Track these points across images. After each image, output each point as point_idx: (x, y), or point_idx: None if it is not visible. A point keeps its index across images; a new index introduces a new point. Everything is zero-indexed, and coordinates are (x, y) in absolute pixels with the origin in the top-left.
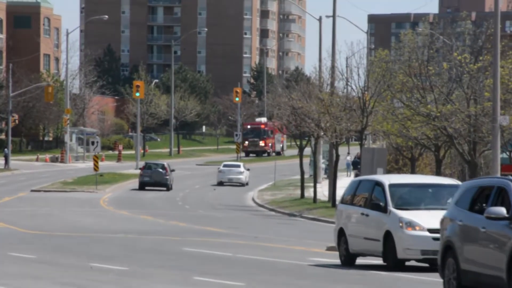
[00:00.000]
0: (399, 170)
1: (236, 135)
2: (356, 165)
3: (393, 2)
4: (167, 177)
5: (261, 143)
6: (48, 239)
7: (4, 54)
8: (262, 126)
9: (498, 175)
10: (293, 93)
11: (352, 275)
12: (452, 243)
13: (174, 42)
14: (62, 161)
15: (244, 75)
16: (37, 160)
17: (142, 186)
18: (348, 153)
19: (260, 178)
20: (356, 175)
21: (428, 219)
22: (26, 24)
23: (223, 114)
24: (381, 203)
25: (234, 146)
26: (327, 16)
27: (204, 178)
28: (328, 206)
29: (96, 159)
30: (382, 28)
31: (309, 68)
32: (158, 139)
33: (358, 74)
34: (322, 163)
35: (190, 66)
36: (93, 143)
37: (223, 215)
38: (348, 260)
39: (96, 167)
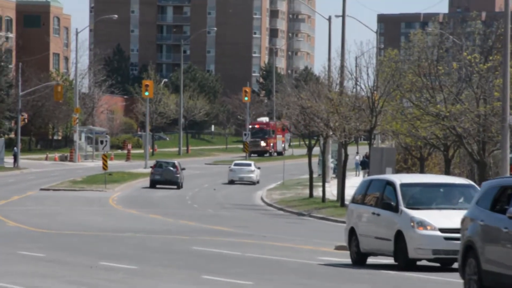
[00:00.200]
0: (408, 170)
1: (245, 134)
2: (364, 164)
3: (403, 1)
4: (178, 175)
5: (263, 143)
6: (57, 237)
7: (14, 53)
8: (264, 126)
9: (507, 174)
10: (302, 93)
11: (361, 274)
12: (473, 243)
13: (183, 41)
14: (71, 160)
15: (253, 74)
16: (46, 159)
17: (153, 184)
18: (357, 153)
19: (268, 178)
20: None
21: (439, 219)
22: (36, 23)
23: (232, 114)
24: (392, 203)
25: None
26: (337, 16)
27: (213, 177)
28: (337, 206)
29: (105, 158)
30: (392, 28)
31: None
32: (167, 138)
33: (368, 74)
34: (330, 163)
35: (199, 65)
36: (102, 142)
37: (232, 214)
38: (359, 260)
39: (105, 166)
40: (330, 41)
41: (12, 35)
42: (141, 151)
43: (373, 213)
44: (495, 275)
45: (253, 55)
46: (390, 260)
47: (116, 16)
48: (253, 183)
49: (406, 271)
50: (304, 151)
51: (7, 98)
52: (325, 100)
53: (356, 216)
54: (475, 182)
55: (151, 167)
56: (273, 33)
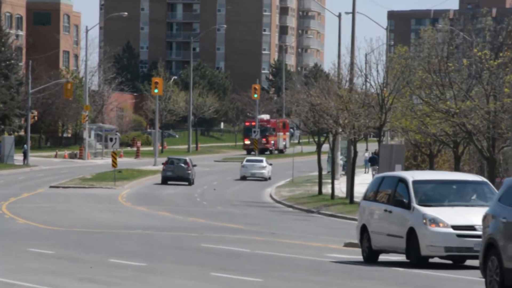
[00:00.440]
0: (417, 167)
1: (254, 131)
2: (373, 161)
3: None
4: (189, 171)
5: (263, 141)
6: (67, 235)
7: (23, 51)
8: (264, 124)
9: None
10: (312, 90)
11: (370, 271)
12: (495, 241)
13: (193, 39)
14: (81, 157)
15: (262, 71)
16: (56, 156)
17: (164, 181)
18: (366, 150)
19: (277, 175)
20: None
21: (452, 216)
22: (45, 21)
23: (242, 111)
24: (404, 200)
25: (283, 142)
26: (347, 13)
27: (222, 174)
28: (346, 203)
29: (114, 155)
30: (402, 25)
31: (328, 64)
32: (177, 136)
33: (377, 71)
34: (340, 160)
35: (209, 62)
36: (111, 139)
37: (241, 212)
38: (371, 257)
39: (114, 164)
40: (340, 38)
41: (22, 32)
42: (151, 148)
43: (385, 210)
44: None
45: (263, 52)
46: (401, 258)
47: (126, 13)
48: (264, 179)
49: (418, 268)
50: (313, 148)
51: (17, 95)
52: (335, 97)
53: (368, 213)
54: None
55: (162, 163)
56: (283, 30)
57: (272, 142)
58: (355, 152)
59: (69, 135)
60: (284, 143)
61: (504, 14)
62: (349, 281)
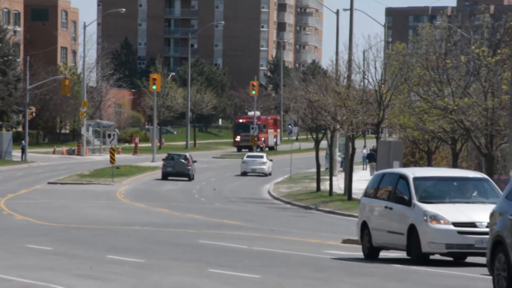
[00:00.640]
0: (415, 163)
1: (252, 128)
2: (371, 158)
3: None
4: (189, 167)
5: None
6: (65, 231)
7: (21, 47)
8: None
9: None
10: (310, 86)
11: (368, 268)
12: (502, 238)
13: (191, 35)
14: (79, 153)
15: (260, 68)
16: (54, 152)
17: (165, 176)
18: (364, 146)
19: (275, 171)
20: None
21: (453, 213)
22: (43, 17)
23: (240, 107)
24: (405, 197)
25: (274, 139)
26: (345, 9)
27: (221, 170)
28: (344, 199)
29: (112, 151)
30: (400, 21)
31: (326, 61)
32: (175, 132)
33: (375, 67)
34: (338, 156)
35: (207, 59)
36: (109, 135)
37: (239, 208)
38: (371, 254)
39: (112, 160)
40: (338, 34)
41: (20, 28)
42: (149, 144)
43: (386, 207)
44: None
45: (261, 48)
46: (402, 254)
47: (123, 9)
48: (265, 174)
49: (419, 265)
50: (311, 144)
51: (15, 91)
52: (333, 94)
53: (368, 210)
54: None
55: (163, 159)
56: (281, 26)
57: (263, 139)
58: (353, 149)
59: (67, 131)
60: (274, 140)
61: (502, 11)
62: (347, 278)
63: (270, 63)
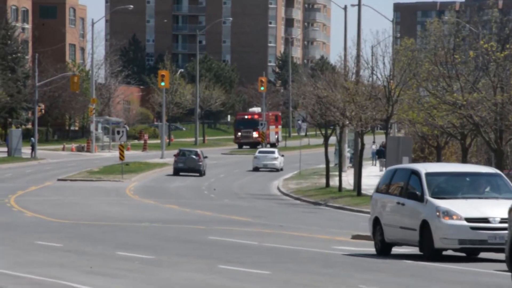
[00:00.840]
0: (425, 159)
1: (261, 124)
2: (380, 153)
3: None
4: (200, 163)
5: (255, 135)
6: (74, 228)
7: (30, 44)
8: (256, 117)
9: None
10: (318, 82)
11: (378, 264)
12: None
13: (199, 31)
14: (88, 150)
15: (269, 64)
16: (63, 149)
17: (176, 172)
18: (374, 142)
19: (284, 167)
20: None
21: (465, 208)
22: (51, 14)
23: (248, 104)
24: (417, 192)
25: (276, 135)
26: (353, 5)
27: (230, 167)
28: (353, 195)
29: (121, 148)
30: (408, 17)
31: (334, 57)
32: (183, 129)
33: (384, 63)
34: (347, 152)
35: (215, 55)
36: (118, 132)
37: (248, 204)
38: (384, 250)
39: (121, 157)
40: (346, 30)
41: (28, 26)
42: (158, 141)
43: (398, 203)
44: None
45: (269, 44)
46: (413, 250)
47: (131, 6)
48: (276, 169)
49: (431, 261)
50: (320, 140)
51: (24, 89)
52: (341, 90)
53: (380, 206)
54: None
55: (174, 155)
56: (289, 22)
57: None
58: (362, 145)
59: (76, 128)
60: (276, 136)
61: (510, 6)
62: (356, 273)
63: (278, 59)
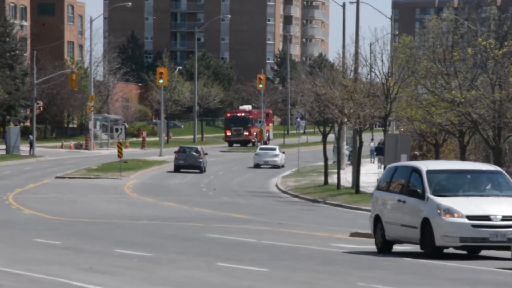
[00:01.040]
0: (423, 156)
1: (260, 121)
2: (379, 151)
3: None
4: (201, 160)
5: (245, 133)
6: (73, 225)
7: (28, 42)
8: (246, 115)
9: None
10: (317, 80)
11: (377, 261)
12: None
13: (197, 29)
14: (87, 148)
15: (267, 61)
16: (61, 147)
17: (177, 169)
18: (372, 140)
19: (284, 165)
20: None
21: (467, 206)
22: (50, 11)
23: (247, 101)
24: (418, 190)
25: (267, 133)
26: (351, 2)
27: (228, 164)
28: (352, 192)
29: (120, 146)
30: (406, 14)
31: (333, 54)
32: (182, 126)
33: (382, 60)
34: (345, 150)
35: (214, 53)
36: (117, 130)
37: (247, 202)
38: (385, 247)
39: (120, 154)
40: (344, 27)
41: (26, 23)
42: (156, 138)
43: (399, 201)
44: None
45: (267, 42)
46: (414, 247)
47: (130, 4)
48: (278, 166)
49: (432, 258)
50: (318, 138)
51: (22, 86)
52: (340, 87)
53: (381, 204)
54: None
55: (175, 152)
56: (287, 20)
57: (255, 134)
58: (361, 142)
59: (75, 126)
60: (267, 134)
61: (509, 3)
62: (355, 271)
63: (276, 56)
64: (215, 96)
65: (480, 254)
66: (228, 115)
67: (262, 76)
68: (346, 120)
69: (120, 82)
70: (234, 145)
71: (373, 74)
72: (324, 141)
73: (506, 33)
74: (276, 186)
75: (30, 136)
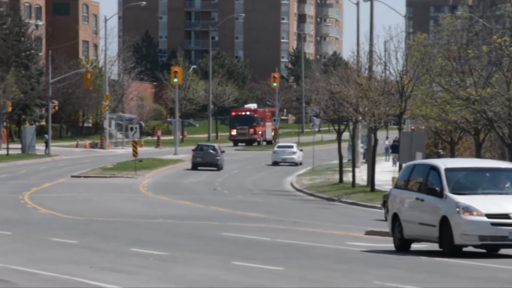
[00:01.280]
0: (435, 154)
1: (274, 120)
2: (395, 149)
3: None
4: (218, 157)
5: (250, 131)
6: (88, 224)
7: (43, 41)
8: (251, 113)
9: None
10: (331, 78)
11: (392, 259)
12: None
13: (211, 27)
14: (102, 147)
15: (281, 60)
16: (77, 146)
17: (194, 166)
18: (387, 138)
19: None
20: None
21: (486, 204)
22: (64, 11)
23: (261, 100)
24: (436, 188)
25: (272, 132)
26: (365, 0)
27: (243, 163)
28: (367, 191)
29: (135, 144)
30: (421, 12)
31: (347, 52)
32: (197, 125)
33: (396, 58)
34: (360, 148)
35: (228, 51)
36: (132, 128)
37: (262, 200)
38: (403, 246)
39: (135, 153)
40: (358, 26)
41: (41, 23)
42: (171, 137)
43: (417, 199)
44: None
45: (282, 40)
46: (431, 246)
47: (144, 2)
48: (295, 164)
49: (450, 257)
50: (333, 136)
51: (37, 85)
52: (354, 85)
53: (399, 202)
54: None
55: (192, 150)
56: (301, 18)
57: (260, 132)
58: (376, 140)
59: (90, 125)
60: (272, 133)
61: None
62: (371, 269)
63: (291, 55)
64: (230, 95)
65: (499, 252)
66: (233, 113)
67: (276, 75)
68: (360, 118)
69: (135, 81)
70: (239, 144)
71: (387, 72)
72: (339, 139)
73: None
74: (291, 184)
75: (46, 135)
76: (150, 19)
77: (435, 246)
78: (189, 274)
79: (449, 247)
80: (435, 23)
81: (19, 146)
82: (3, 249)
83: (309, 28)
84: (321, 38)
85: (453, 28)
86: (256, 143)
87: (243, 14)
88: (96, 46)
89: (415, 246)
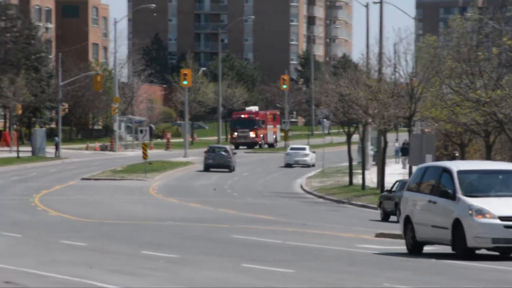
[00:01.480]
0: (448, 156)
1: (284, 122)
2: (405, 151)
3: None
4: (230, 159)
5: (252, 134)
6: (98, 227)
7: (53, 44)
8: (252, 116)
9: None
10: (341, 80)
11: (403, 262)
12: None
13: (221, 30)
14: (112, 149)
15: (291, 62)
16: (86, 148)
17: (207, 168)
18: (397, 140)
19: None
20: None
21: (499, 207)
22: (74, 13)
23: (271, 102)
24: (449, 190)
25: (282, 134)
26: (374, 2)
27: (253, 165)
28: (377, 193)
29: (145, 147)
30: (430, 14)
31: (357, 54)
32: (206, 127)
33: (406, 60)
34: (370, 150)
35: (237, 54)
36: (141, 131)
37: (272, 203)
38: (415, 248)
39: (145, 155)
40: (368, 27)
41: (51, 25)
42: (181, 140)
43: (429, 201)
44: None
45: (291, 42)
46: (442, 248)
47: (153, 5)
48: (308, 165)
49: (465, 260)
50: (343, 138)
51: (47, 88)
52: (364, 87)
53: (411, 204)
54: None
55: (204, 152)
56: (311, 20)
57: (262, 135)
58: (385, 142)
59: (100, 127)
60: (274, 136)
61: None
62: (381, 272)
63: (300, 57)
64: (239, 97)
65: None
66: (234, 116)
67: (286, 77)
68: (370, 120)
69: (145, 83)
70: (241, 147)
71: (397, 74)
72: (349, 142)
73: None
74: (301, 187)
75: (56, 138)
76: (160, 21)
77: (447, 249)
78: (199, 277)
79: (462, 249)
80: (444, 25)
81: (30, 148)
82: (13, 252)
83: (319, 30)
84: (330, 40)
85: (463, 30)
86: (257, 146)
87: (253, 16)
88: (105, 49)
89: (427, 248)
